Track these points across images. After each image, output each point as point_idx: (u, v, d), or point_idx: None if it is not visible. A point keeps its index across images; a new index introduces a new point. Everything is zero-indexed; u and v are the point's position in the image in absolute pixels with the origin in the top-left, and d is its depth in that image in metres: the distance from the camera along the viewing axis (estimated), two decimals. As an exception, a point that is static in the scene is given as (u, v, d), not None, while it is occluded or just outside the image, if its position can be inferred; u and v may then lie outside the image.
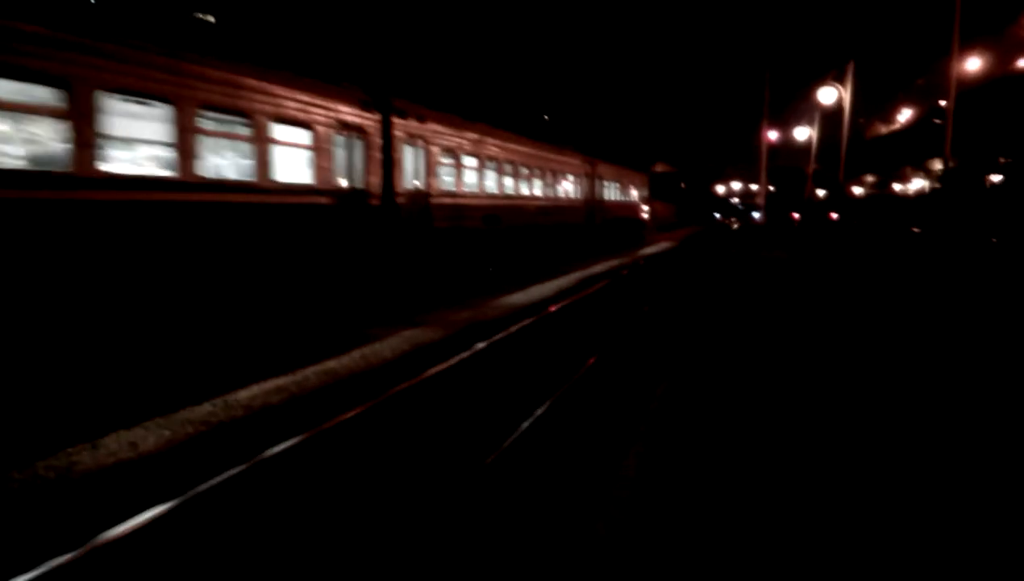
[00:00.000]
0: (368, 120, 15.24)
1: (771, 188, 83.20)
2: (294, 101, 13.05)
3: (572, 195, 27.66)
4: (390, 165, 15.51)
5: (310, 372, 9.72)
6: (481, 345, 11.41)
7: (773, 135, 73.11)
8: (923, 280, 20.64)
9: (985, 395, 8.37)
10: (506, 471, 6.46)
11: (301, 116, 13.27)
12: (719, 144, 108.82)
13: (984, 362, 10.14)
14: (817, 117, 71.10)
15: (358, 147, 14.98)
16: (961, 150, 69.19)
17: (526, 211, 22.89)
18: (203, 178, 11.04)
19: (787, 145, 78.63)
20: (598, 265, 25.62)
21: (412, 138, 16.77)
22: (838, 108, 66.25)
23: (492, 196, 20.88)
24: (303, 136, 13.45)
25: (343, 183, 14.51)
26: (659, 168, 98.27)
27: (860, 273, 22.60)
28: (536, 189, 23.88)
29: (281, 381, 9.21)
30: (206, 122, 11.19)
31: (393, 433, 7.50)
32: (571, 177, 27.46)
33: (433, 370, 9.83)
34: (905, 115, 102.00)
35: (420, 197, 17.15)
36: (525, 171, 22.94)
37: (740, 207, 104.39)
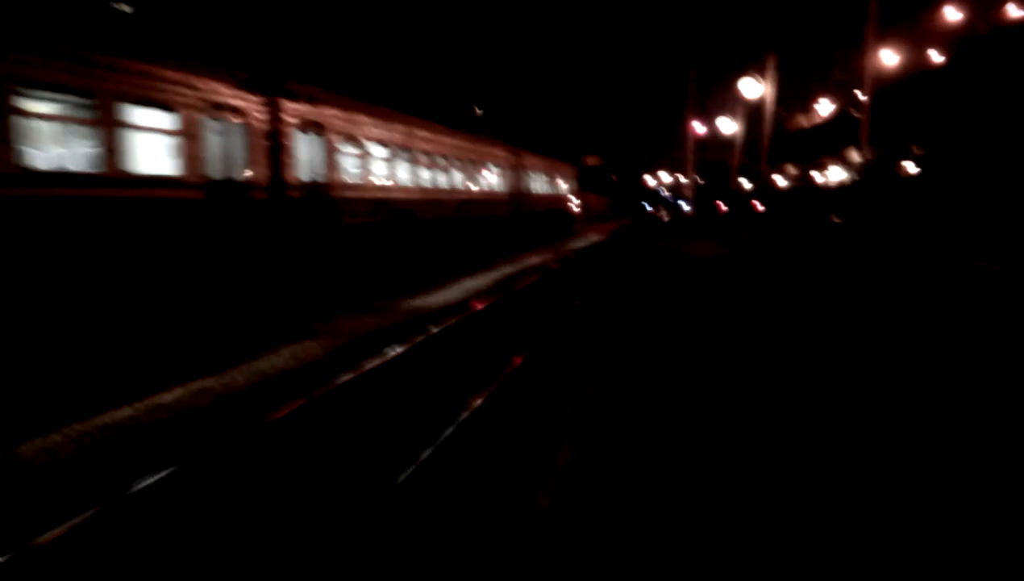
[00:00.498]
0: (251, 103, 13.14)
1: (699, 180, 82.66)
2: (152, 79, 10.90)
3: (496, 188, 25.86)
4: (278, 154, 13.47)
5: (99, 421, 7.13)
6: (373, 363, 9.46)
7: (700, 128, 72.74)
8: (843, 268, 21.28)
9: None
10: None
11: (161, 96, 11.13)
12: (649, 136, 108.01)
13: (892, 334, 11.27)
14: (741, 110, 70.69)
15: (238, 134, 12.88)
16: (879, 141, 69.61)
17: (445, 205, 21.01)
18: (23, 168, 8.88)
19: (714, 138, 78.28)
20: (525, 260, 23.89)
21: (307, 125, 14.72)
22: (761, 101, 66.08)
23: (406, 189, 18.93)
24: (166, 120, 11.32)
25: (220, 174, 12.38)
26: (590, 160, 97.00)
27: (783, 262, 23.20)
28: (456, 181, 22.03)
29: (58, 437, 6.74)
30: (31, 103, 9.03)
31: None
32: (495, 169, 25.66)
33: (294, 404, 7.81)
34: (825, 107, 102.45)
35: (318, 190, 15.10)
36: (443, 162, 21.05)
37: (670, 199, 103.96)
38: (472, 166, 23.38)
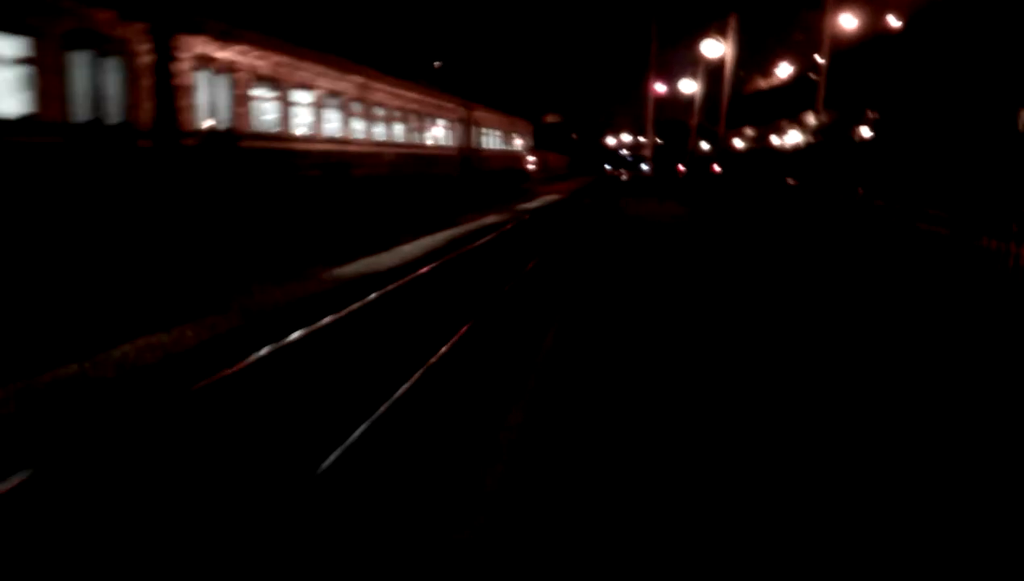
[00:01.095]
0: (136, 33, 10.79)
1: (659, 141, 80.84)
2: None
3: (444, 142, 23.59)
4: (169, 95, 11.17)
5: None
6: (293, 336, 7.49)
7: (661, 88, 70.85)
8: (791, 229, 21.63)
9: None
10: None
11: (6, 16, 8.79)
12: (610, 96, 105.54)
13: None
14: (701, 70, 68.99)
15: (115, 69, 10.54)
16: (836, 105, 68.40)
17: (384, 159, 18.80)
18: None
19: (674, 98, 76.60)
20: (475, 221, 21.82)
21: (210, 62, 12.38)
22: (721, 62, 64.50)
23: (336, 140, 16.68)
24: (12, 47, 8.98)
25: (87, 115, 10.08)
26: (550, 118, 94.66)
27: (737, 223, 23.52)
28: (398, 134, 19.79)
29: None
30: None
31: None
32: (443, 123, 23.37)
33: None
34: (784, 70, 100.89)
35: (225, 140, 12.82)
36: (382, 113, 18.78)
37: (629, 159, 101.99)
38: (417, 118, 21.11)
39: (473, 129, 26.84)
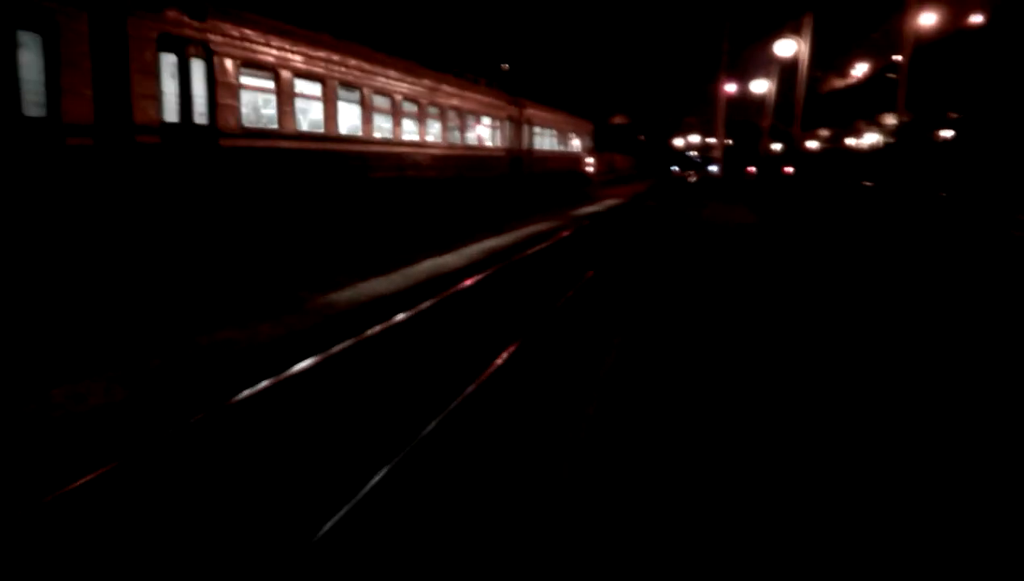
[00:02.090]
0: (67, 6, 8.28)
1: (728, 141, 76.70)
2: None
3: (489, 141, 20.75)
4: (115, 82, 8.63)
5: None
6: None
7: (731, 88, 67.27)
8: (873, 236, 19.09)
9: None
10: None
11: None
12: (678, 96, 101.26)
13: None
14: (774, 70, 65.17)
15: (34, 48, 8.03)
16: (914, 105, 63.86)
17: (413, 160, 16.13)
18: None
19: (744, 98, 73.05)
20: (524, 228, 19.03)
21: (177, 43, 9.82)
22: (794, 62, 60.64)
23: (356, 140, 14.05)
24: None
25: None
26: (617, 120, 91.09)
27: (813, 231, 20.55)
28: (433, 133, 17.13)
29: None
30: None
31: None
32: (487, 121, 20.56)
33: None
34: (860, 69, 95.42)
35: (198, 135, 10.26)
36: (412, 108, 16.12)
37: (698, 160, 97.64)
38: (456, 116, 18.36)
39: (525, 128, 23.92)
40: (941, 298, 10.63)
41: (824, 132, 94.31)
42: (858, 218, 23.94)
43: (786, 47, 57.34)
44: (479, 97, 19.70)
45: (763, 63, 68.00)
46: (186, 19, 9.99)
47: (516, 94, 28.89)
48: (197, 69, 10.19)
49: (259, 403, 5.58)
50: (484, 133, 20.47)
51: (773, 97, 66.19)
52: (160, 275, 9.58)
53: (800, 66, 57.69)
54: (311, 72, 12.35)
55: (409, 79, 16.19)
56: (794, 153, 67.75)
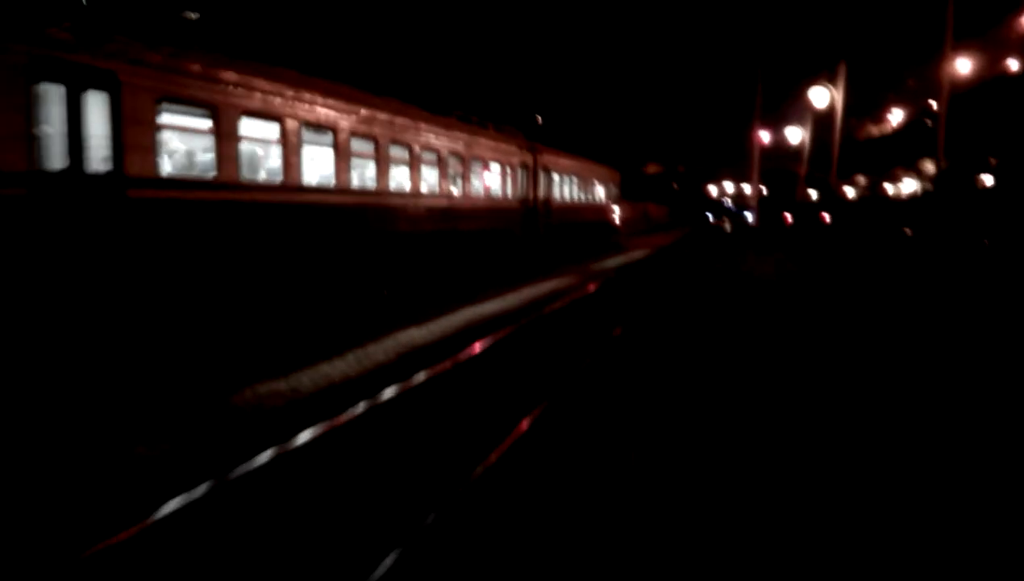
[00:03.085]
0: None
1: (763, 189, 73.71)
2: None
3: (499, 191, 18.13)
4: None
5: None
6: None
7: (765, 136, 65.02)
8: (917, 280, 18.81)
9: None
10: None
11: None
12: (711, 145, 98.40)
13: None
14: (809, 118, 62.84)
15: None
16: (953, 151, 60.44)
17: (404, 212, 13.68)
18: None
19: (779, 146, 70.67)
20: (539, 285, 16.57)
21: (64, 70, 7.51)
22: (830, 109, 58.16)
23: (328, 190, 11.67)
24: None
25: None
26: (651, 168, 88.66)
27: (854, 277, 19.80)
28: (429, 182, 14.68)
29: None
30: None
31: None
32: (495, 168, 17.98)
33: None
34: (896, 116, 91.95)
35: (93, 185, 7.89)
36: (401, 153, 13.73)
37: (732, 208, 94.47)
38: (457, 161, 15.91)
39: (542, 176, 21.38)
40: (990, 351, 9.52)
41: (861, 179, 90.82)
42: (901, 267, 22.38)
43: (820, 95, 55.25)
44: (485, 141, 17.20)
45: (798, 111, 65.77)
46: (77, 41, 7.69)
47: (549, 144, 26.44)
48: (96, 103, 7.86)
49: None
50: (491, 181, 17.99)
51: (808, 144, 63.65)
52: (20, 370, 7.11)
53: (835, 114, 55.24)
54: (266, 110, 10.02)
55: (421, 127, 13.88)
56: (831, 200, 65.11)
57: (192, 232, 8.95)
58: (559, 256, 22.54)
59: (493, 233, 17.45)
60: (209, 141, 9.35)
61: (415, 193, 13.99)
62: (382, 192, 12.83)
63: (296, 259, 10.78)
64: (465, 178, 16.13)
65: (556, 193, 22.71)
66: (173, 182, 8.92)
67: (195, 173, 9.50)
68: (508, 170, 18.69)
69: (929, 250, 30.41)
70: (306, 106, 10.84)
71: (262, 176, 10.61)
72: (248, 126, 9.73)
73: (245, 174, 9.86)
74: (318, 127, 11.15)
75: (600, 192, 29.41)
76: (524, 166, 19.73)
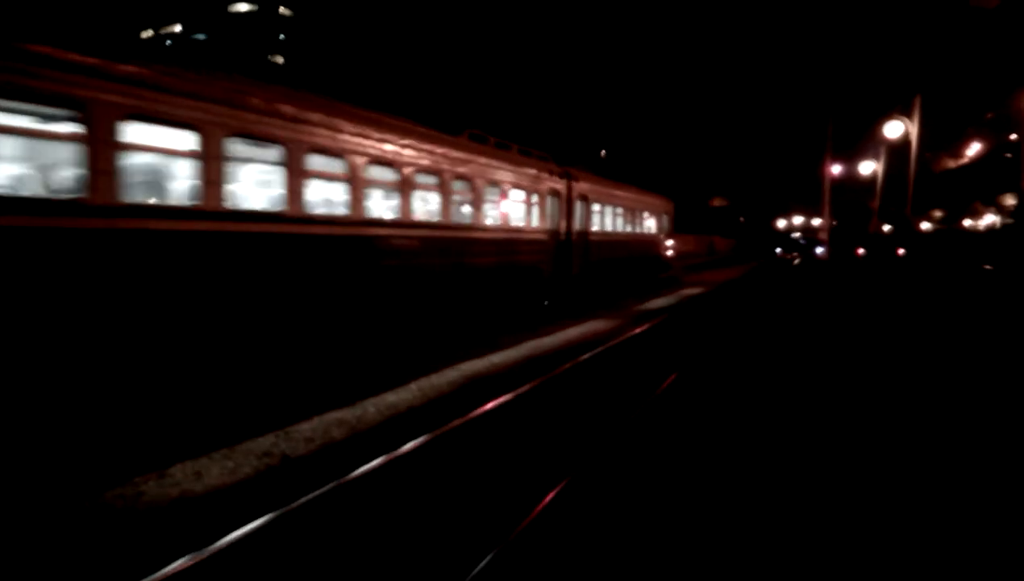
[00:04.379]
0: None
1: (834, 222, 68.72)
2: None
3: (521, 221, 14.94)
4: None
5: None
6: None
7: (837, 169, 60.96)
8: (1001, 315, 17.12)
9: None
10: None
11: None
12: (780, 178, 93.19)
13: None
14: (883, 151, 58.59)
15: None
16: None
17: (392, 245, 10.77)
18: None
19: (851, 179, 66.52)
20: (569, 329, 13.60)
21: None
22: (904, 142, 54.05)
23: (301, 220, 8.96)
24: None
25: None
26: (717, 202, 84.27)
27: (936, 311, 18.31)
28: (428, 208, 11.80)
29: None
30: None
31: None
32: (518, 196, 14.80)
33: None
34: (974, 149, 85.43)
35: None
36: (391, 177, 10.90)
37: (802, 242, 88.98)
38: (466, 188, 13.03)
39: (578, 205, 18.25)
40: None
41: (937, 213, 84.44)
42: (982, 304, 19.92)
43: (894, 128, 51.60)
44: (504, 166, 14.16)
45: (871, 143, 61.53)
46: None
47: (616, 177, 23.43)
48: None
49: None
50: (516, 211, 14.95)
51: (882, 178, 59.15)
52: None
53: (910, 147, 51.14)
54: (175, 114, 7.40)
55: (419, 147, 11.16)
56: (906, 234, 60.37)
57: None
58: (598, 295, 19.27)
59: (512, 269, 14.42)
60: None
61: (402, 221, 11.12)
62: (355, 220, 10.03)
63: (241, 297, 8.11)
64: (476, 206, 13.18)
65: (596, 224, 19.50)
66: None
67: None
68: (535, 198, 15.61)
69: (1009, 285, 27.18)
70: (246, 124, 8.19)
71: (171, 198, 7.96)
72: (127, 131, 7.12)
73: (135, 196, 7.25)
74: (253, 138, 8.47)
75: (651, 224, 25.89)
76: (555, 194, 16.64)
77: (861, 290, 24.86)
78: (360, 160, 9.95)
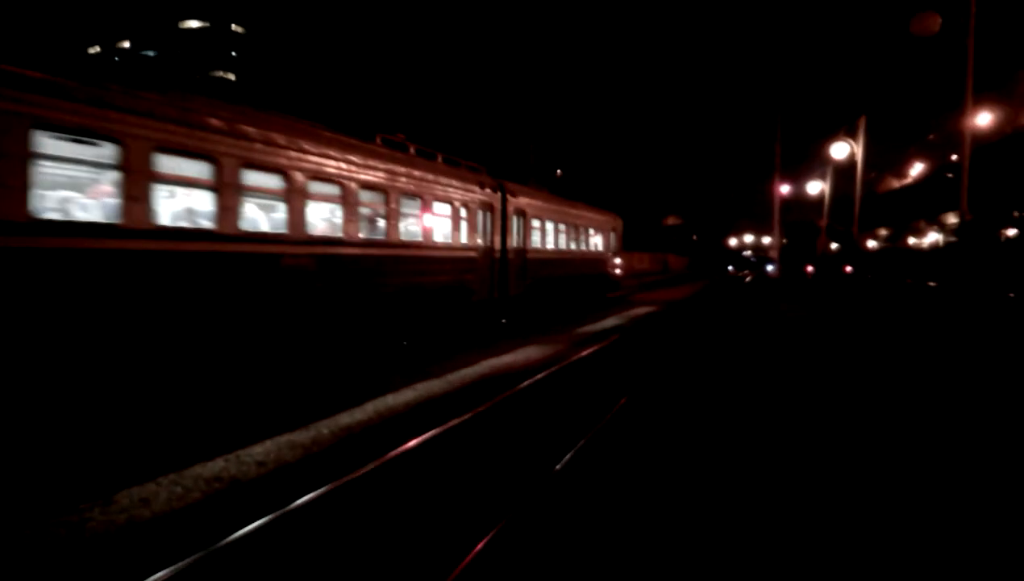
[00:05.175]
0: None
1: (784, 241, 68.70)
2: None
3: (448, 238, 14.17)
4: None
5: None
6: None
7: (785, 188, 60.93)
8: (944, 332, 16.71)
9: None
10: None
11: None
12: (731, 197, 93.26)
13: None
14: (829, 171, 58.62)
15: None
16: (975, 205, 55.62)
17: (272, 267, 8.91)
18: None
19: (800, 198, 66.62)
20: (488, 362, 11.75)
21: None
22: (850, 162, 54.08)
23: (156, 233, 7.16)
24: None
25: None
26: (670, 220, 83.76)
27: (881, 327, 18.00)
28: (332, 222, 10.07)
29: None
30: None
31: None
32: (441, 209, 12.96)
33: None
34: (917, 169, 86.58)
35: None
36: (275, 185, 9.10)
37: (753, 259, 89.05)
38: (375, 196, 11.26)
39: (515, 220, 16.68)
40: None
41: (883, 231, 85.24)
42: (926, 320, 20.12)
43: (840, 149, 51.56)
44: (417, 172, 12.40)
45: (819, 163, 61.63)
46: None
47: (571, 196, 21.84)
48: None
49: None
50: (441, 227, 13.16)
51: (829, 197, 59.18)
52: None
53: (857, 167, 51.11)
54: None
55: (311, 151, 9.41)
56: (853, 252, 60.47)
57: None
58: (538, 316, 17.64)
59: (434, 290, 12.65)
60: None
61: (290, 237, 9.32)
62: (228, 234, 8.22)
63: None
64: (389, 220, 11.43)
65: (536, 241, 17.89)
66: None
67: None
68: (463, 212, 13.87)
69: (954, 302, 27.42)
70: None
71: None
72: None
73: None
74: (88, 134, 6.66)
75: (598, 241, 24.32)
76: (487, 208, 14.96)
77: (811, 305, 23.94)
78: (231, 162, 8.17)
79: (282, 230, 9.22)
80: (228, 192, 8.24)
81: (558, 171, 73.06)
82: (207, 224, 8.10)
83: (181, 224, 8.01)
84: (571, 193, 27.23)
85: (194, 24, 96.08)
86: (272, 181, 9.13)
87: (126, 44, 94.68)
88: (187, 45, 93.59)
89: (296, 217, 9.34)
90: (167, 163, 7.57)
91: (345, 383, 9.89)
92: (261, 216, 9.42)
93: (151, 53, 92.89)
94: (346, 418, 7.99)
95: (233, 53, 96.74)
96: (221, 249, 8.19)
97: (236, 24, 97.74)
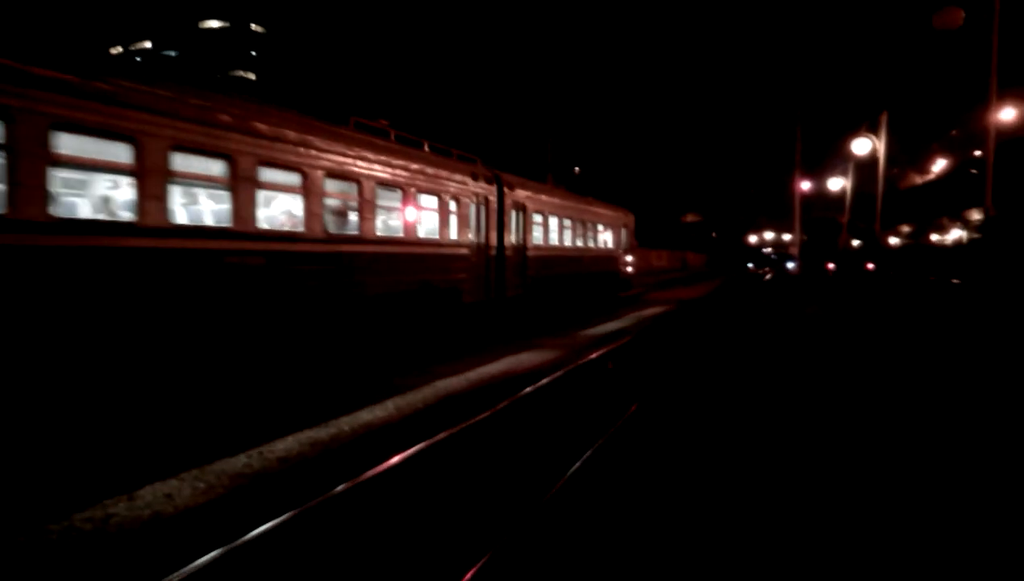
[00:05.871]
0: None
1: (805, 237, 66.86)
2: None
3: (436, 234, 12.58)
4: None
5: None
6: None
7: (806, 185, 59.45)
8: (969, 332, 15.44)
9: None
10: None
11: None
12: (751, 194, 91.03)
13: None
14: (851, 167, 56.92)
15: None
16: (1000, 200, 53.67)
17: (221, 266, 7.69)
18: None
19: (821, 195, 65.22)
20: (476, 371, 10.52)
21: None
22: (872, 158, 52.55)
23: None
24: None
25: None
26: (689, 218, 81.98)
27: (906, 326, 16.50)
28: (288, 215, 8.89)
29: None
30: None
31: None
32: (432, 202, 11.61)
33: None
34: (940, 165, 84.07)
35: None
36: (219, 172, 7.88)
37: (773, 257, 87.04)
38: (346, 186, 10.04)
39: (514, 215, 15.36)
40: None
41: (905, 228, 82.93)
42: (950, 313, 20.20)
43: (862, 145, 50.03)
44: (397, 161, 11.08)
45: (840, 160, 60.01)
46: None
47: (591, 193, 20.47)
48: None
49: None
50: (420, 218, 11.80)
51: (851, 194, 57.47)
52: None
53: (879, 164, 49.40)
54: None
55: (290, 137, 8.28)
56: (875, 249, 58.74)
57: None
58: (538, 319, 16.32)
59: (419, 289, 11.37)
60: None
61: (240, 231, 8.07)
62: (159, 227, 7.01)
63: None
64: (362, 214, 10.16)
65: (538, 238, 16.54)
66: None
67: None
68: (453, 206, 12.58)
69: (978, 300, 26.57)
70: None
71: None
72: None
73: None
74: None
75: (607, 238, 22.79)
76: (483, 202, 13.65)
77: (833, 304, 22.51)
78: (157, 144, 6.94)
79: (231, 225, 7.98)
80: (151, 178, 7.01)
81: (576, 168, 71.74)
82: (126, 215, 6.93)
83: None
84: (589, 190, 26.12)
85: (214, 24, 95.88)
86: (217, 169, 7.88)
87: (147, 44, 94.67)
88: (207, 45, 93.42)
89: (244, 210, 8.08)
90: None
91: (327, 389, 8.73)
92: (213, 209, 8.20)
93: (172, 53, 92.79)
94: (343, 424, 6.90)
95: (253, 52, 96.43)
96: (158, 246, 7.02)
97: (256, 24, 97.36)
